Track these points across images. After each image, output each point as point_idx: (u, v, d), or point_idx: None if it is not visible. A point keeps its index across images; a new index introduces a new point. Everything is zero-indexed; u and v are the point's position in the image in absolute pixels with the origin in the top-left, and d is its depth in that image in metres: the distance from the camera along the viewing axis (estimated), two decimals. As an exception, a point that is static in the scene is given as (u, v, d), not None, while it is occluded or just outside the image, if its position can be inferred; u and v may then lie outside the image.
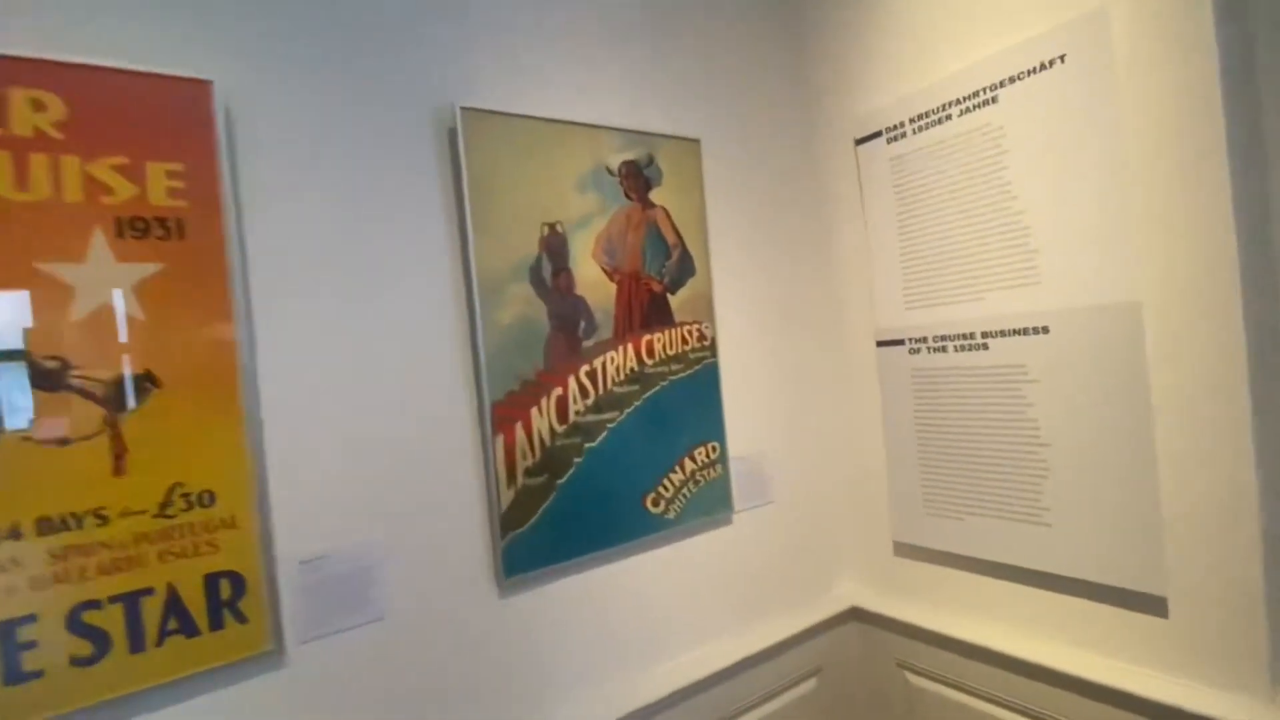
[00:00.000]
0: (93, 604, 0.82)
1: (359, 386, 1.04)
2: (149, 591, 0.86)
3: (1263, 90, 1.01)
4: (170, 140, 0.90)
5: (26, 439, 0.80)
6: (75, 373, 0.83)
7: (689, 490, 1.39)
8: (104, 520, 0.83)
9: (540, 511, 1.18)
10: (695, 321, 1.42)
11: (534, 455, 1.18)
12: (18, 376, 0.80)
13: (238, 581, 0.91)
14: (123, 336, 0.86)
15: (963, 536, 1.38)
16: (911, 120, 1.40)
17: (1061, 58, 1.15)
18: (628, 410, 1.30)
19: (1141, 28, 1.06)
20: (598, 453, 1.25)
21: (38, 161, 0.82)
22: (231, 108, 0.95)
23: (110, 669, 0.83)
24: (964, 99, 1.30)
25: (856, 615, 1.61)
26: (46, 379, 0.81)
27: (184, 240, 0.90)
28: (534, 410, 1.18)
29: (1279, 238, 1.01)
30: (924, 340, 1.42)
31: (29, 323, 0.81)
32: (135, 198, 0.87)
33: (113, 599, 0.84)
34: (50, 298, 0.82)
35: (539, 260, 1.20)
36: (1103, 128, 1.11)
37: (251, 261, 0.96)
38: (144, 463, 0.86)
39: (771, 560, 1.54)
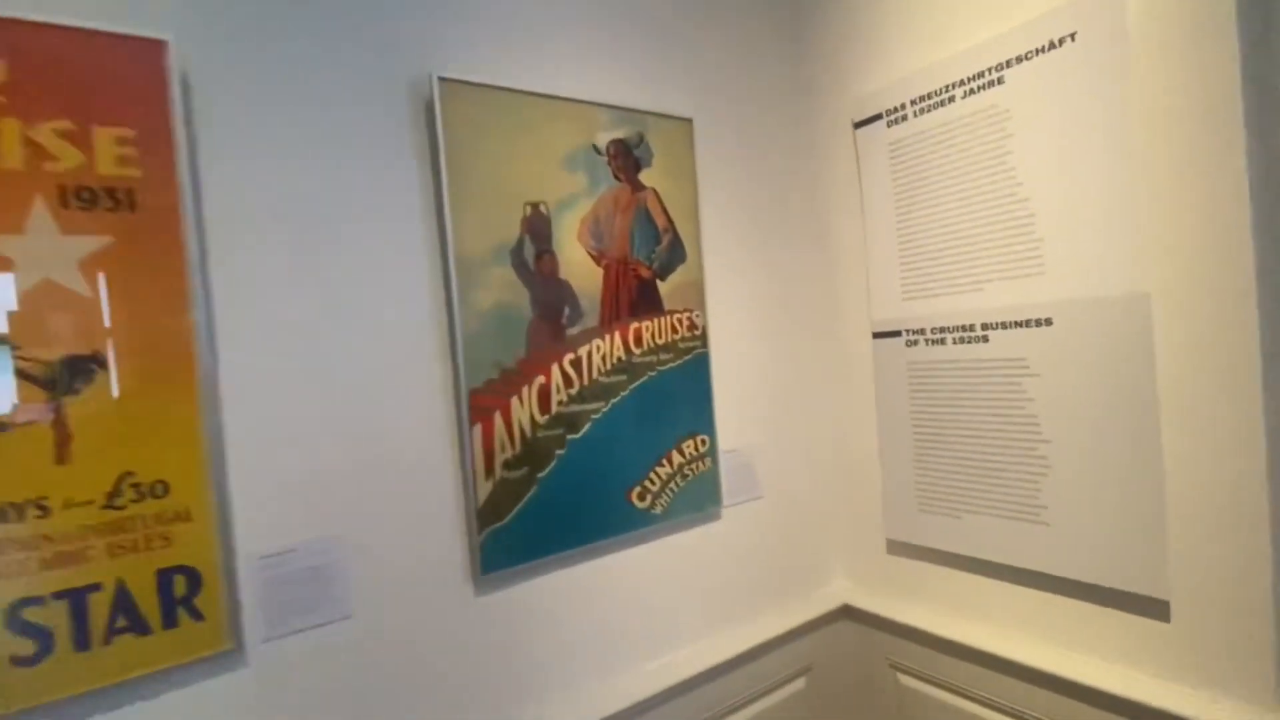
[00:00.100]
0: (34, 600, 0.78)
1: (327, 372, 0.98)
2: (96, 587, 0.81)
3: (1283, 72, 0.96)
4: (121, 105, 0.84)
5: (-42, 424, 0.74)
6: (14, 353, 0.77)
7: (676, 484, 1.34)
8: (45, 511, 0.78)
9: (520, 505, 1.13)
10: (685, 310, 1.36)
11: (514, 447, 1.12)
12: (-51, 356, 0.74)
13: (193, 577, 0.86)
14: (67, 314, 0.80)
15: (958, 535, 1.34)
16: (913, 102, 1.35)
17: (1072, 35, 1.10)
18: (613, 401, 1.25)
19: (1158, 4, 1.01)
20: (581, 445, 1.20)
21: (-28, 124, 0.76)
22: (188, 71, 0.89)
23: (54, 669, 0.79)
24: (968, 80, 1.25)
25: (848, 614, 1.58)
26: (-19, 359, 0.75)
27: (135, 212, 0.84)
28: (514, 400, 1.13)
29: (1296, 227, 0.96)
30: (921, 332, 1.37)
31: (-39, 298, 0.75)
32: (81, 166, 0.81)
33: (56, 595, 0.79)
34: (-15, 271, 0.76)
35: (521, 242, 1.14)
36: (1114, 110, 1.06)
37: (210, 236, 0.90)
38: (90, 450, 0.81)
39: (761, 557, 1.50)
